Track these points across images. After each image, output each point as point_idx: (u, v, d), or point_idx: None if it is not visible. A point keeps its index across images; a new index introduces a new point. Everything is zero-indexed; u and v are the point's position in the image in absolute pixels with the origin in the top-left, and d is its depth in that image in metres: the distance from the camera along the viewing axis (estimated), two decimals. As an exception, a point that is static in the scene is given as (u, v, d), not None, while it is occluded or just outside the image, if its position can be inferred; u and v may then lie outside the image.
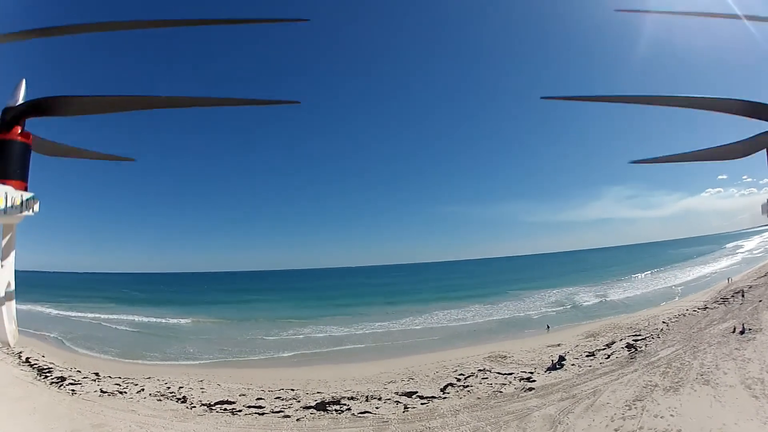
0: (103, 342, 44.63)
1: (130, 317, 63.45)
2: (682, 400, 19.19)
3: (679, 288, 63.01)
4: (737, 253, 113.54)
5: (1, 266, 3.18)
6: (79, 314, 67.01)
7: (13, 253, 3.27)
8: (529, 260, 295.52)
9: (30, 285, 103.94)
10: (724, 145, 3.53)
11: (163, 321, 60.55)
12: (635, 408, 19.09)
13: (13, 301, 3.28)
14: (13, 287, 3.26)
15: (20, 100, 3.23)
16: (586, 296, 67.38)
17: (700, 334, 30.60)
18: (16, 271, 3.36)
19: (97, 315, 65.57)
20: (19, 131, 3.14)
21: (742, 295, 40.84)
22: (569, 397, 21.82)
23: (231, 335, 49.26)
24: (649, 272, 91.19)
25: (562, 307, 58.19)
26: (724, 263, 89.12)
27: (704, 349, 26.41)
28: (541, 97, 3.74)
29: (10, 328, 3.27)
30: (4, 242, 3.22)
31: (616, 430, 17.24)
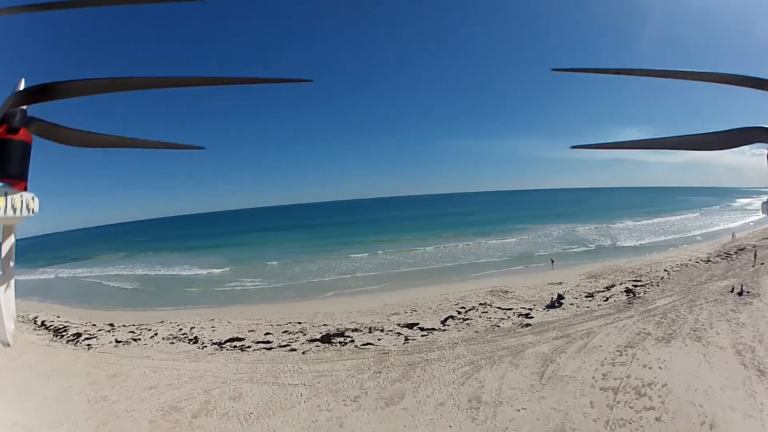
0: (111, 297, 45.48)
1: (138, 271, 63.29)
2: (673, 353, 19.95)
3: (687, 237, 62.57)
4: (749, 210, 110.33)
5: (2, 266, 3.18)
6: (88, 272, 67.29)
7: (13, 254, 3.27)
8: (538, 195, 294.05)
9: (37, 250, 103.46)
10: (702, 134, 3.45)
11: (168, 273, 59.82)
12: (626, 355, 20.01)
13: (13, 301, 3.28)
14: (13, 287, 3.26)
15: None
16: (593, 236, 67.69)
17: (699, 288, 31.07)
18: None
19: (105, 272, 65.62)
20: (21, 131, 3.04)
21: (755, 256, 40.27)
22: (564, 336, 22.92)
23: (241, 275, 50.66)
24: (660, 218, 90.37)
25: (568, 245, 58.72)
26: (741, 219, 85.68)
27: (701, 304, 26.92)
28: (552, 69, 3.68)
29: (10, 327, 3.25)
30: (4, 242, 3.21)
31: (604, 375, 18.24)
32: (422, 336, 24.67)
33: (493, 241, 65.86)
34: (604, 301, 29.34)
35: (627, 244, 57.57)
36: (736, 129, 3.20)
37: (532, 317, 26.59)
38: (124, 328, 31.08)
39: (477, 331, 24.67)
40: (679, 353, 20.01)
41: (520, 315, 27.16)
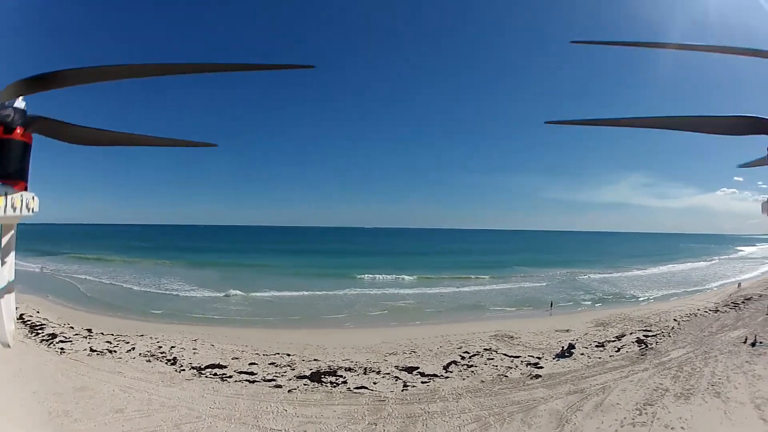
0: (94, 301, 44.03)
1: (126, 279, 61.60)
2: (693, 411, 18.76)
3: (696, 289, 60.76)
4: (753, 258, 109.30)
5: (1, 265, 3.22)
6: (77, 271, 66.40)
7: (13, 253, 3.33)
8: (542, 236, 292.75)
9: (29, 240, 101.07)
10: (699, 116, 3.41)
11: (155, 287, 56.84)
12: (646, 413, 18.70)
13: (13, 301, 3.33)
14: (13, 287, 3.30)
15: (19, 100, 3.15)
16: (599, 283, 66.35)
17: (712, 339, 30.00)
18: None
19: (94, 275, 63.93)
20: (20, 131, 3.11)
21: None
22: (578, 390, 21.49)
23: (233, 295, 49.57)
24: (665, 266, 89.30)
25: (573, 290, 57.57)
26: (750, 270, 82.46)
27: (715, 356, 25.85)
28: (545, 122, 3.83)
29: (10, 328, 3.30)
30: (4, 242, 3.27)
31: (625, 436, 16.92)
32: (423, 383, 22.89)
33: (497, 284, 64.32)
34: (616, 351, 28.10)
35: (633, 292, 56.32)
36: (736, 116, 3.14)
37: (541, 367, 25.18)
38: (101, 336, 29.49)
39: (483, 381, 23.14)
40: (699, 411, 18.85)
41: (528, 364, 25.74)
